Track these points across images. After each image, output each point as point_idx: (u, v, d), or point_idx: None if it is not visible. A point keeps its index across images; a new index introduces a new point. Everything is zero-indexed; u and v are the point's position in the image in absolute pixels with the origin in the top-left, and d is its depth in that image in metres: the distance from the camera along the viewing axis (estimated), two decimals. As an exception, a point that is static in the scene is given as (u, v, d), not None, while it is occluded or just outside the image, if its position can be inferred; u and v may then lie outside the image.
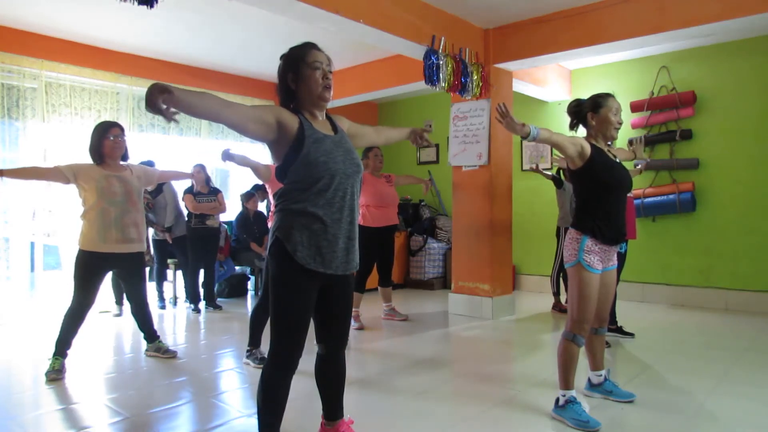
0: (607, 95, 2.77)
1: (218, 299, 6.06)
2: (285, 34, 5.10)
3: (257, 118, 1.86)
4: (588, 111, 2.78)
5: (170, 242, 5.67)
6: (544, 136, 2.52)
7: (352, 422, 2.26)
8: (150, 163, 5.62)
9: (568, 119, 2.91)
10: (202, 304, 5.75)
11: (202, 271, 5.82)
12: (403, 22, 4.34)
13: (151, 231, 5.70)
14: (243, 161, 3.94)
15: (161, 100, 1.57)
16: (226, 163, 3.94)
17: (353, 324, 4.84)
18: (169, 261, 5.91)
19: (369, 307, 5.48)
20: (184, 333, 4.82)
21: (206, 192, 5.69)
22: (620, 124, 2.78)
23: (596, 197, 2.67)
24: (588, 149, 2.65)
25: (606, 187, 2.66)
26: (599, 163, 2.65)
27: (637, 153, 3.45)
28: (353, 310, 4.88)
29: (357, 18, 3.93)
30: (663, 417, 2.67)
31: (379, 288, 5.18)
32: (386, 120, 8.44)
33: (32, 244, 5.35)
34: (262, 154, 6.89)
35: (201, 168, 5.57)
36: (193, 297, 5.71)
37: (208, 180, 5.71)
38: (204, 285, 5.81)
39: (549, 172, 5.15)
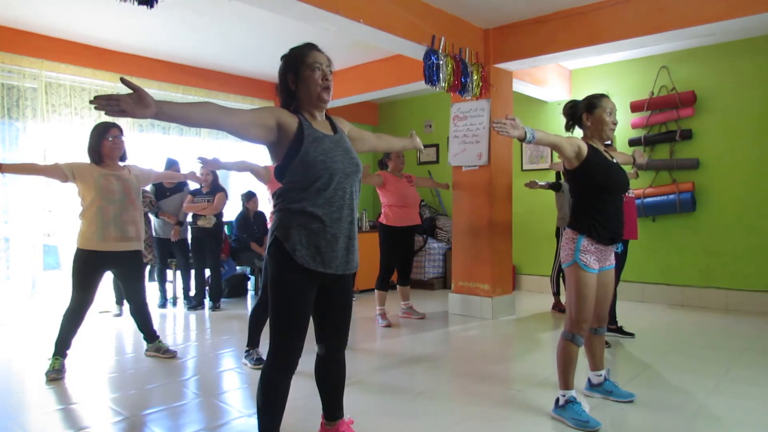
0: (601, 96, 2.78)
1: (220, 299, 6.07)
2: (287, 35, 5.10)
3: (257, 121, 1.86)
4: (583, 112, 2.79)
5: (173, 240, 5.65)
6: (540, 137, 2.52)
7: (352, 422, 2.26)
8: (174, 162, 5.60)
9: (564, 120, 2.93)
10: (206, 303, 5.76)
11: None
12: (403, 22, 4.34)
13: (153, 229, 5.69)
14: (241, 166, 3.94)
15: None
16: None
17: (381, 322, 4.85)
18: (169, 261, 5.91)
19: (367, 307, 5.49)
20: (184, 333, 4.82)
21: (206, 192, 5.68)
22: (615, 124, 2.79)
23: (592, 197, 2.67)
24: (585, 149, 2.65)
25: (601, 188, 2.66)
26: (595, 163, 2.66)
27: (637, 159, 3.48)
28: (379, 308, 4.91)
29: (357, 18, 3.93)
30: (663, 417, 2.67)
31: (398, 287, 5.20)
32: (386, 120, 8.44)
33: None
34: (260, 155, 6.89)
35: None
36: (194, 296, 5.70)
37: (212, 180, 5.63)
38: (208, 285, 5.82)
39: (545, 182, 5.14)
